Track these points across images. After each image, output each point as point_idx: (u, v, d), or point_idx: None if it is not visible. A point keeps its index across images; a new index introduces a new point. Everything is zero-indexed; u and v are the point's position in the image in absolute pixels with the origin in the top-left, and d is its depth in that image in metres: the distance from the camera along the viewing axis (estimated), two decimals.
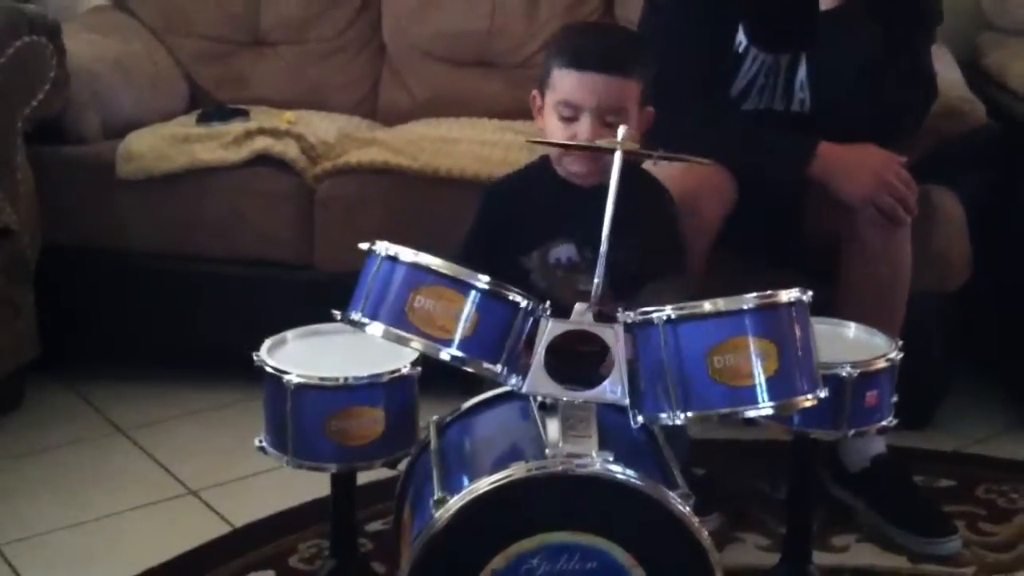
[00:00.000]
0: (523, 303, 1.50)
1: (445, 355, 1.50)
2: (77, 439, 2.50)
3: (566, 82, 1.81)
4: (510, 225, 1.86)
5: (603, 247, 1.53)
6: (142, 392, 2.68)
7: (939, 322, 2.38)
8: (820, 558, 1.90)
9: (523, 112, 1.96)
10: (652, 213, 1.63)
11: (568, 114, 1.81)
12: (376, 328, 1.51)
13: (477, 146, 2.63)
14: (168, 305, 2.69)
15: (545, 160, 1.92)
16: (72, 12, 3.21)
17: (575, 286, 1.65)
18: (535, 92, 1.90)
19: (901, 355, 1.74)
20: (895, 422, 1.76)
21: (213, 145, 2.66)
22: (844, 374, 1.68)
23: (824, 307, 1.71)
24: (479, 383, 1.73)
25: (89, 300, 2.69)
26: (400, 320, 1.50)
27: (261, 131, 2.68)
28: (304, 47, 3.13)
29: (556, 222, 1.87)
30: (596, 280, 1.52)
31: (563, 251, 1.87)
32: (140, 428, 2.55)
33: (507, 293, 1.50)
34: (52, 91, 2.56)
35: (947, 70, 2.42)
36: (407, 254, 1.51)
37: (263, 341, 1.79)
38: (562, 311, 1.53)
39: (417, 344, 1.50)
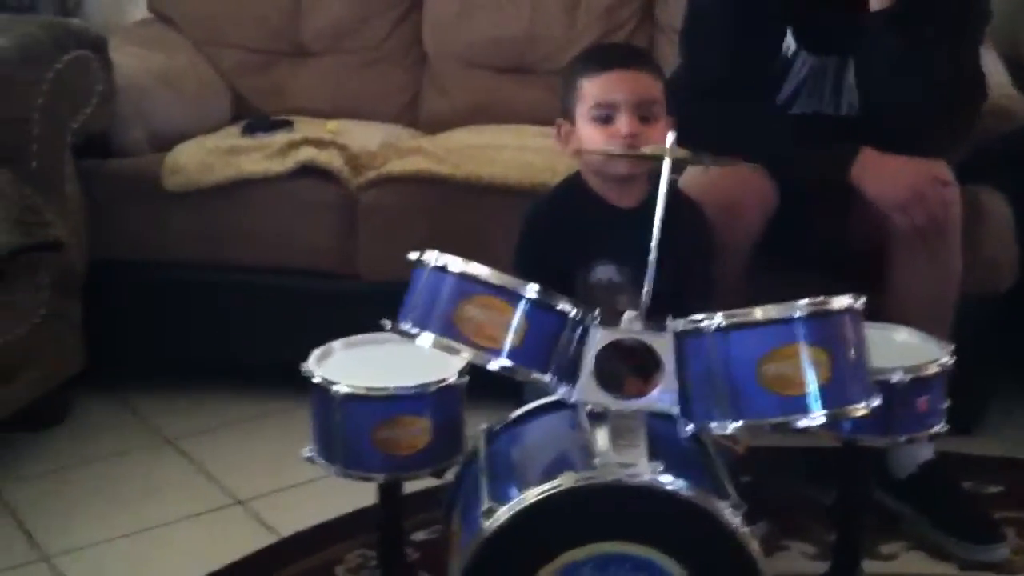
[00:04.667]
0: (572, 312, 1.51)
1: (495, 365, 1.50)
2: (124, 450, 2.52)
3: (596, 85, 1.83)
4: (551, 248, 1.87)
5: (652, 255, 1.53)
6: (188, 403, 2.70)
7: (987, 325, 2.35)
8: (868, 566, 1.89)
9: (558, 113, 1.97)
10: (689, 237, 1.64)
11: (603, 115, 1.82)
12: (426, 338, 1.52)
13: (519, 153, 2.63)
14: (213, 316, 2.71)
15: (577, 178, 1.92)
16: (115, 25, 3.24)
17: (616, 306, 1.65)
18: (559, 120, 1.92)
19: (953, 360, 1.73)
20: (947, 428, 1.74)
21: (258, 156, 2.67)
22: (895, 380, 1.66)
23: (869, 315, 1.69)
24: (529, 390, 1.74)
25: (135, 312, 2.71)
26: (450, 330, 1.51)
27: (305, 141, 2.70)
28: (345, 56, 3.14)
29: (595, 243, 1.88)
30: (646, 288, 1.52)
31: (603, 272, 1.88)
32: (186, 438, 2.56)
33: (556, 302, 1.50)
34: (99, 105, 2.58)
35: (993, 68, 2.39)
36: (456, 264, 1.51)
37: (308, 351, 1.79)
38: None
39: (467, 354, 1.51)
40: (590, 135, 1.85)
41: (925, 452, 2.12)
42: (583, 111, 1.85)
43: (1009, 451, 2.44)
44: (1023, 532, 2.12)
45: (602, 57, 1.87)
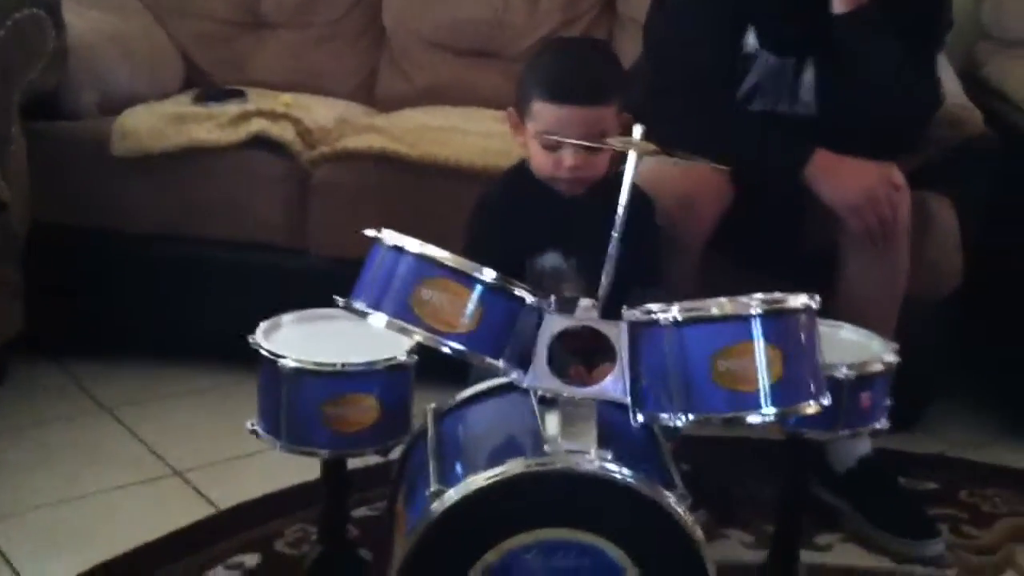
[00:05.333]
0: (528, 298, 1.50)
1: (448, 348, 1.49)
2: (63, 416, 2.49)
3: (547, 115, 1.83)
4: (501, 235, 1.87)
5: (612, 246, 1.53)
6: (131, 372, 2.67)
7: (929, 327, 2.39)
8: (804, 556, 1.91)
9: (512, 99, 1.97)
10: (634, 223, 1.64)
11: (551, 143, 1.83)
12: (379, 318, 1.51)
13: (476, 136, 2.62)
14: (159, 285, 2.68)
15: (524, 165, 1.93)
16: None
17: (560, 293, 1.66)
18: (511, 109, 1.92)
19: (897, 359, 1.75)
20: (888, 425, 1.77)
21: (209, 125, 2.64)
22: (841, 376, 1.69)
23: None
24: (477, 372, 1.74)
25: (80, 278, 2.67)
26: (404, 311, 1.50)
27: (258, 113, 2.67)
28: (304, 31, 3.12)
29: (543, 232, 1.89)
30: (604, 280, 1.52)
31: (549, 259, 1.89)
32: (126, 407, 2.54)
33: (513, 288, 1.50)
34: (50, 65, 2.54)
35: (946, 78, 2.42)
36: (413, 245, 1.50)
37: (254, 324, 1.78)
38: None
39: (420, 336, 1.50)
40: (537, 153, 1.87)
41: (863, 447, 2.15)
42: (533, 128, 1.86)
43: (946, 449, 2.49)
44: (957, 529, 2.16)
45: (559, 86, 1.82)
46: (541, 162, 1.86)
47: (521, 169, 1.95)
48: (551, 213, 1.89)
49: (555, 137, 1.81)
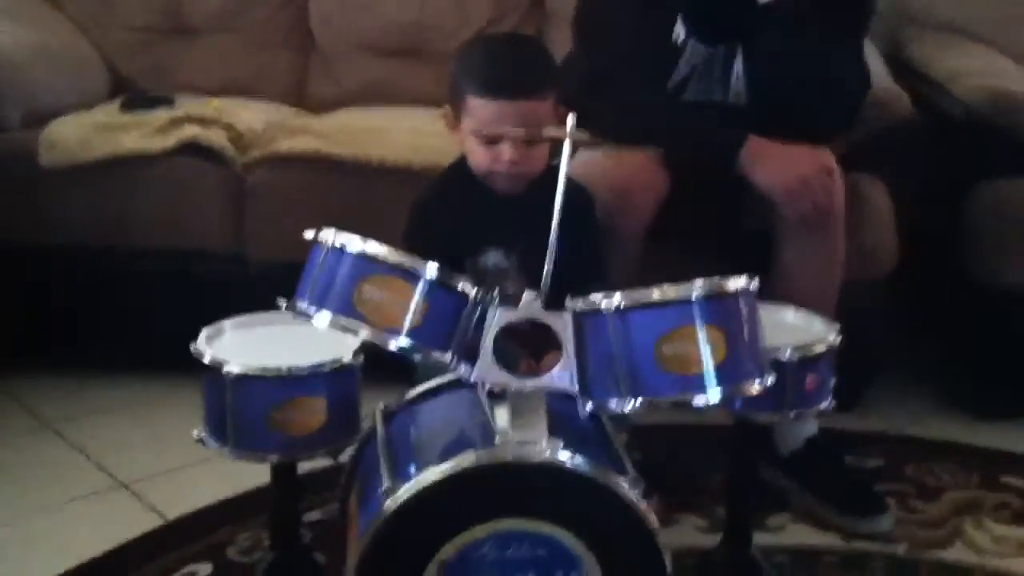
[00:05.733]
0: (472, 292, 1.50)
1: (394, 345, 1.49)
2: (2, 436, 2.44)
3: (482, 111, 1.82)
4: (439, 238, 1.85)
5: (553, 237, 1.53)
6: (70, 387, 2.63)
7: (867, 308, 2.41)
8: (756, 538, 1.91)
9: (446, 98, 1.97)
10: (575, 218, 1.65)
11: (488, 139, 1.82)
12: (323, 318, 1.50)
13: (408, 134, 2.61)
14: (95, 297, 2.64)
15: (463, 163, 1.92)
16: None
17: (504, 290, 1.67)
18: (447, 108, 1.92)
19: (840, 339, 1.77)
20: (833, 405, 1.79)
21: (138, 133, 2.61)
22: (784, 358, 1.70)
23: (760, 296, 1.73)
24: (423, 371, 1.74)
25: (11, 293, 2.63)
26: (348, 309, 1.49)
27: (188, 119, 2.64)
28: (230, 36, 3.10)
29: (482, 230, 1.89)
30: (546, 269, 1.53)
31: (491, 257, 1.89)
32: (67, 422, 2.50)
33: (456, 282, 1.50)
34: None
35: (872, 63, 2.45)
36: (354, 243, 1.50)
37: (194, 332, 1.75)
38: None
39: (365, 334, 1.49)
40: (474, 150, 1.86)
41: (810, 428, 2.18)
42: (469, 125, 1.85)
43: (888, 427, 2.52)
44: (904, 503, 2.19)
45: (493, 80, 1.82)
46: (479, 159, 1.86)
47: (458, 168, 1.94)
48: (491, 211, 1.89)
49: (488, 132, 1.81)
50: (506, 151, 1.82)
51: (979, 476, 2.30)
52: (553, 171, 1.61)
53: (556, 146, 1.77)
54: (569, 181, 1.65)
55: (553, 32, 2.95)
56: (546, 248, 1.54)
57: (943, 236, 2.56)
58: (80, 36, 3.05)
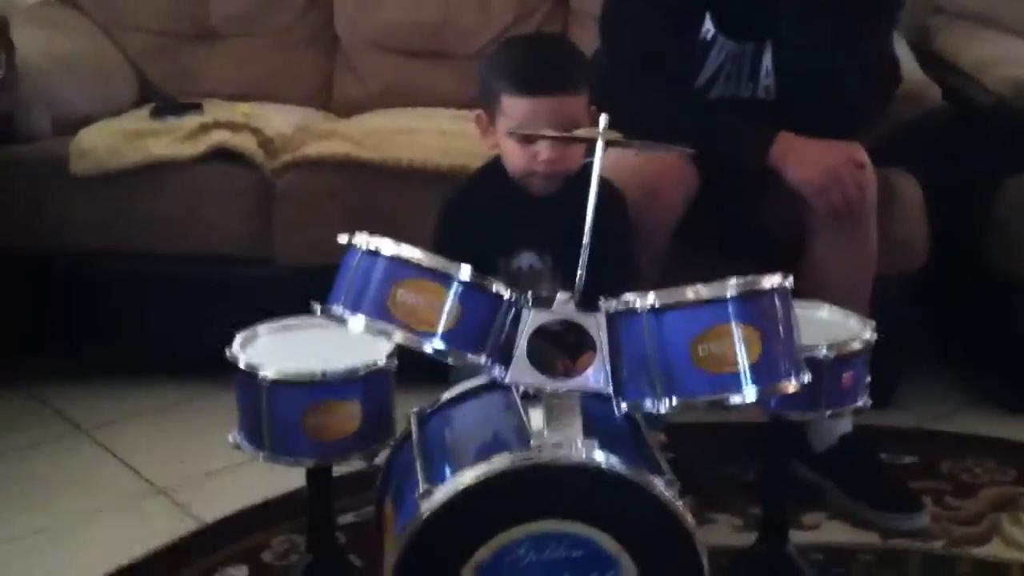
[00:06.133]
0: (506, 294, 1.50)
1: (429, 348, 1.49)
2: (37, 442, 2.46)
3: (519, 110, 1.82)
4: (471, 239, 1.86)
5: (586, 238, 1.53)
6: (103, 393, 2.64)
7: (898, 303, 2.41)
8: (792, 536, 1.91)
9: (477, 102, 1.97)
10: (608, 218, 1.64)
11: (525, 139, 1.81)
12: (358, 322, 1.50)
13: (436, 136, 2.62)
14: (127, 303, 2.65)
15: (495, 164, 1.92)
16: (16, 7, 3.15)
17: (538, 292, 1.67)
18: (479, 112, 1.91)
19: (875, 336, 1.76)
20: (870, 403, 1.78)
21: (168, 140, 2.62)
22: (820, 356, 1.69)
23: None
24: (457, 373, 1.74)
25: (44, 302, 2.65)
26: (382, 313, 1.49)
27: (217, 124, 2.65)
28: (255, 39, 3.10)
29: (515, 231, 1.89)
30: (579, 271, 1.52)
31: (525, 259, 1.89)
32: (101, 428, 2.51)
33: (489, 285, 1.50)
34: (2, 90, 2.51)
35: (901, 54, 2.44)
36: (388, 247, 1.50)
37: (224, 337, 1.75)
38: None
39: (400, 337, 1.50)
40: (511, 151, 1.85)
41: (844, 426, 2.17)
42: (505, 126, 1.84)
43: (921, 423, 2.51)
44: (939, 500, 2.18)
45: (527, 78, 1.81)
46: (517, 159, 1.85)
47: (491, 169, 1.94)
48: (524, 213, 1.88)
49: (522, 131, 1.80)
50: (543, 150, 1.82)
51: (1015, 471, 2.28)
52: (586, 171, 1.61)
53: (590, 145, 1.77)
54: (602, 181, 1.66)
55: (578, 31, 2.95)
56: (580, 249, 1.54)
57: (973, 229, 2.54)
58: (106, 41, 3.06)
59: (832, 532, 2.09)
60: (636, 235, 2.00)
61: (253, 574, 1.99)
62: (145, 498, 2.26)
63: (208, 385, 2.47)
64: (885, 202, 2.21)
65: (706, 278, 1.50)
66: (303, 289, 1.59)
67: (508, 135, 1.83)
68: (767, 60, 2.17)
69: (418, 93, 3.01)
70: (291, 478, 1.87)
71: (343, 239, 1.55)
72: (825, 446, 2.17)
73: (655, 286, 1.51)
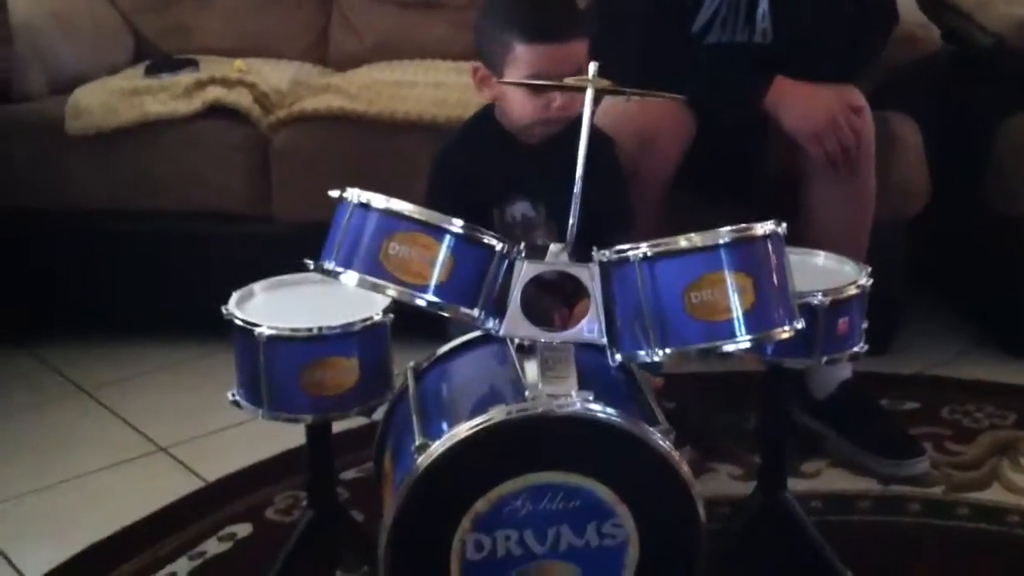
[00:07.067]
0: (498, 246, 1.49)
1: (421, 301, 1.48)
2: (41, 402, 2.48)
3: (534, 55, 1.80)
4: (465, 189, 1.85)
5: (577, 187, 1.52)
6: (103, 352, 2.65)
7: (897, 247, 2.40)
8: (792, 484, 1.90)
9: (473, 54, 1.95)
10: (599, 165, 1.63)
11: (538, 87, 1.80)
12: (351, 277, 1.50)
13: (432, 89, 2.61)
14: (124, 263, 2.66)
15: (487, 114, 1.91)
16: None
17: (533, 241, 1.66)
18: (477, 64, 1.89)
19: (871, 281, 1.75)
20: (866, 348, 1.77)
21: (163, 97, 2.62)
22: (816, 302, 1.68)
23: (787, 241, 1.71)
24: (453, 327, 1.73)
25: (43, 262, 2.66)
26: (375, 268, 1.48)
27: (212, 81, 2.65)
28: None
29: (508, 181, 1.88)
30: (571, 221, 1.51)
31: (519, 208, 1.89)
32: (104, 387, 2.52)
33: (482, 236, 1.49)
34: None
35: None
36: (379, 201, 1.49)
37: (223, 295, 1.75)
38: None
39: (393, 291, 1.49)
40: (519, 100, 1.84)
41: (843, 372, 2.17)
42: (516, 75, 1.82)
43: (921, 368, 2.50)
44: (940, 446, 2.18)
45: (542, 26, 1.81)
46: (526, 109, 1.84)
47: (483, 119, 1.93)
48: (517, 162, 1.88)
49: (521, 82, 1.79)
50: (557, 97, 1.81)
51: (1015, 415, 2.28)
52: (575, 120, 1.59)
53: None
54: (596, 130, 1.65)
55: None
56: (571, 198, 1.53)
57: (974, 171, 2.52)
58: None
59: (832, 480, 2.10)
60: (633, 183, 1.99)
61: (257, 531, 2.01)
62: (149, 457, 2.27)
63: (210, 344, 2.46)
64: (883, 147, 2.19)
65: (706, 226, 1.48)
66: (304, 245, 1.57)
67: (515, 85, 1.82)
68: (763, 3, 2.15)
69: (414, 45, 2.99)
70: (293, 436, 1.87)
71: (334, 194, 1.54)
72: (825, 393, 2.17)
73: (654, 235, 1.50)
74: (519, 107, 1.86)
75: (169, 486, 2.14)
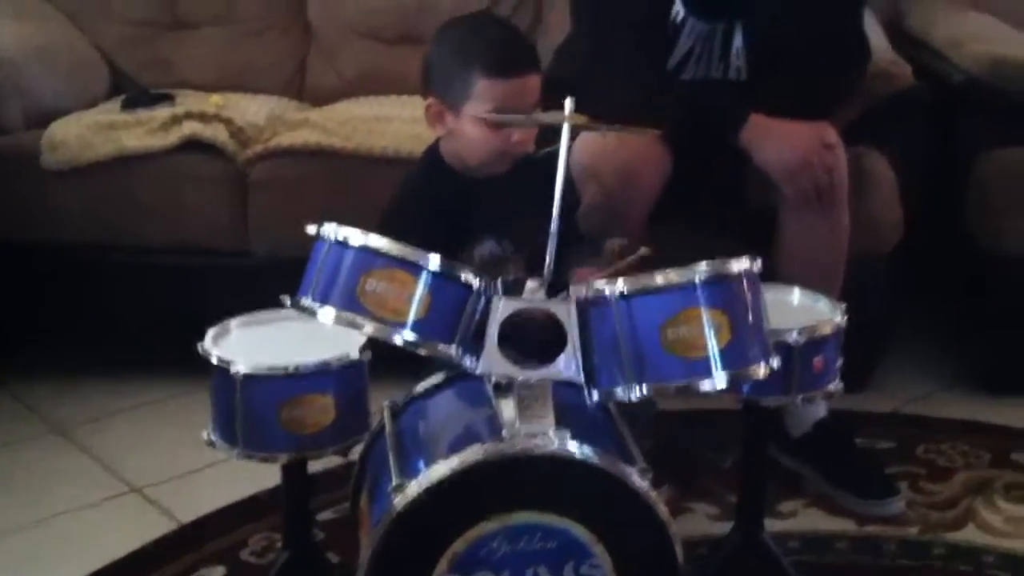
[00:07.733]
0: (476, 282, 1.49)
1: (399, 339, 1.48)
2: (12, 440, 2.44)
3: (497, 90, 1.80)
4: (425, 229, 1.78)
5: (553, 225, 1.52)
6: (77, 389, 2.63)
7: (873, 284, 2.40)
8: (769, 524, 1.90)
9: (427, 91, 1.95)
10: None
11: (498, 122, 1.80)
12: (327, 313, 1.49)
13: (409, 124, 2.60)
14: (99, 297, 2.64)
15: (433, 158, 1.91)
16: None
17: (505, 277, 1.66)
18: (431, 101, 1.88)
19: (846, 319, 1.76)
20: (842, 386, 1.78)
21: (139, 131, 2.61)
22: (791, 340, 1.68)
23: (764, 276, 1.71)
24: (430, 365, 1.72)
25: (16, 296, 2.63)
26: (352, 304, 1.48)
27: (188, 115, 2.64)
28: (227, 28, 3.08)
29: (472, 220, 1.87)
30: (548, 260, 1.52)
31: (486, 247, 1.88)
32: (77, 426, 2.49)
33: (459, 273, 1.49)
34: None
35: (873, 32, 2.44)
36: (356, 237, 1.48)
37: (201, 331, 1.73)
38: None
39: (370, 328, 1.48)
40: (480, 136, 1.83)
41: (819, 411, 2.17)
42: (475, 110, 1.81)
43: (897, 407, 2.50)
44: (915, 485, 2.18)
45: (506, 59, 1.81)
46: (486, 144, 1.83)
47: (433, 160, 1.92)
48: (475, 201, 1.87)
49: (493, 116, 1.78)
50: (516, 132, 1.81)
51: (990, 455, 2.28)
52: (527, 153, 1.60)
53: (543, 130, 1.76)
54: (547, 158, 1.63)
55: (551, 14, 2.95)
56: (534, 230, 1.53)
57: (948, 207, 2.54)
58: (77, 32, 3.03)
59: (809, 520, 2.09)
60: (613, 218, 1.99)
61: (231, 573, 1.98)
62: (122, 498, 2.24)
63: (185, 382, 2.44)
64: (856, 183, 2.21)
65: (685, 260, 1.48)
66: (281, 279, 1.56)
67: (480, 119, 1.81)
68: (738, 40, 2.17)
69: (392, 79, 2.98)
70: (268, 477, 1.85)
71: (311, 230, 1.54)
72: (801, 432, 2.17)
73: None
74: (481, 142, 1.84)
75: (143, 527, 2.11)
